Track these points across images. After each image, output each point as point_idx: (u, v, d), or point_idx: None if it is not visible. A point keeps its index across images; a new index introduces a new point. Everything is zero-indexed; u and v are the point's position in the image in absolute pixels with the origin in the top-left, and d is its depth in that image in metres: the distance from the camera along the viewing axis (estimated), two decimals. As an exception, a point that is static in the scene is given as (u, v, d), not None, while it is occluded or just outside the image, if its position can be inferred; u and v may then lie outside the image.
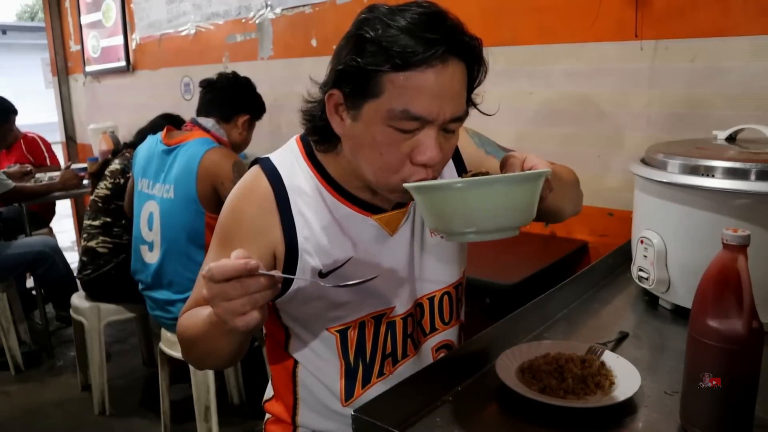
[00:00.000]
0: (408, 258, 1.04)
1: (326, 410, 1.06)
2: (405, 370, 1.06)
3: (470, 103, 0.92)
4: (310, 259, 0.96)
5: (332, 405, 1.05)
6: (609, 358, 0.96)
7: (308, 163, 0.99)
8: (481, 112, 0.96)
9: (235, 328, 0.75)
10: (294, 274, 0.96)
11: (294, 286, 0.98)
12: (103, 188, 2.49)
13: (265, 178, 0.97)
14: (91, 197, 2.54)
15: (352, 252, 0.98)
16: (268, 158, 1.01)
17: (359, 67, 0.82)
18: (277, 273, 0.77)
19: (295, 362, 1.07)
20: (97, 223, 2.47)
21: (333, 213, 0.98)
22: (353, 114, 0.87)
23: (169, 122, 2.56)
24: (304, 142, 1.02)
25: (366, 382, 1.05)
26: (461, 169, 1.09)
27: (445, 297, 1.10)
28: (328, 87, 0.89)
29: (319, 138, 0.96)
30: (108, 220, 2.46)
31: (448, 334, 1.13)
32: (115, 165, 2.51)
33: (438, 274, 1.08)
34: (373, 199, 0.99)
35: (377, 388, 1.04)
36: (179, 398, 2.46)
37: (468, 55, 0.85)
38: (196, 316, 0.92)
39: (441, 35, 0.80)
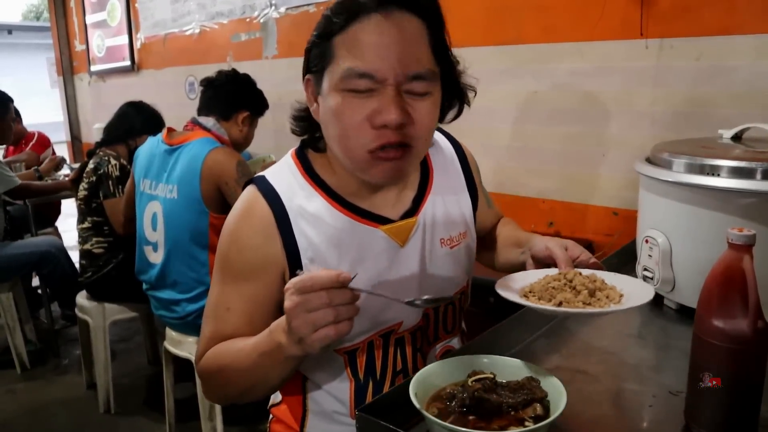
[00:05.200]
0: (419, 269, 1.00)
1: (335, 421, 1.03)
2: None
3: (445, 62, 0.90)
4: None
5: (341, 418, 1.03)
6: (608, 276, 0.90)
7: (306, 178, 0.97)
8: (460, 72, 0.95)
9: (310, 344, 0.74)
10: None
11: None
12: (81, 190, 2.53)
13: (263, 200, 0.94)
14: (76, 202, 2.57)
15: (360, 267, 0.93)
16: (263, 177, 0.97)
17: (314, 41, 0.88)
18: (366, 290, 0.78)
19: (305, 378, 1.04)
20: (86, 225, 2.52)
21: (338, 228, 0.94)
22: (318, 91, 0.89)
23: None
24: (300, 157, 1.00)
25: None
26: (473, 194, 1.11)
27: (449, 307, 1.08)
28: (303, 76, 0.93)
29: (305, 132, 0.99)
30: (95, 219, 2.50)
31: (450, 342, 1.11)
32: (90, 165, 2.54)
33: (445, 285, 1.04)
34: (378, 209, 0.97)
35: None
36: (184, 397, 2.46)
37: (418, 8, 0.84)
38: (235, 350, 0.89)
39: None
